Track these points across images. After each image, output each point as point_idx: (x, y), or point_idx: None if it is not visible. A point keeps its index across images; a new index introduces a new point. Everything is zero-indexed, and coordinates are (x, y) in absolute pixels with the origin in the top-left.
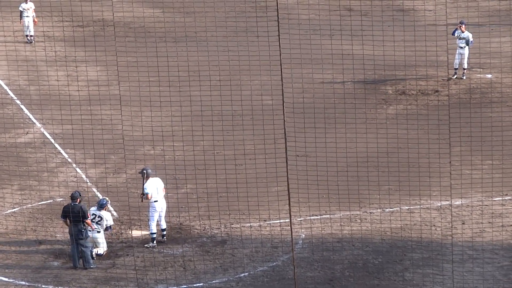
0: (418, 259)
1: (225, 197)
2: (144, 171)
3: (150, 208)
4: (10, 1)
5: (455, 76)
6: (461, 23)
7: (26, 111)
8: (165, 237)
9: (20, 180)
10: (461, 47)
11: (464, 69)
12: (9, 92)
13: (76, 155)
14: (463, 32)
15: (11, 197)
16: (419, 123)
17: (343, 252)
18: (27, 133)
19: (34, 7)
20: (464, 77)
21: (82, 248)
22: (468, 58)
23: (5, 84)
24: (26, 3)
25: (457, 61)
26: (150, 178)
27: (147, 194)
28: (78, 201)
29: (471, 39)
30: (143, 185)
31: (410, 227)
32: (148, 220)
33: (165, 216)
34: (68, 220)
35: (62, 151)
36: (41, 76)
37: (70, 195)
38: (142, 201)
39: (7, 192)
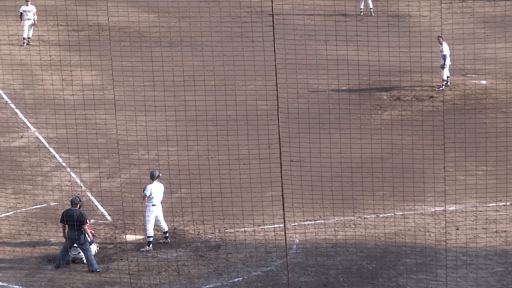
0: (412, 264)
1: (220, 202)
2: (151, 173)
3: (147, 212)
4: (6, 5)
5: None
6: (438, 37)
7: (20, 115)
8: (168, 239)
9: (14, 184)
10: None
11: (443, 80)
12: (4, 96)
13: (71, 159)
14: (441, 44)
15: (5, 201)
16: (414, 129)
17: (337, 257)
18: (21, 137)
19: (36, 10)
20: (440, 89)
21: (83, 252)
22: (443, 69)
23: (0, 88)
24: (27, 5)
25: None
26: (155, 181)
27: (144, 194)
28: (78, 207)
29: (443, 53)
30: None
31: (404, 232)
32: (145, 224)
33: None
34: (66, 225)
35: (56, 155)
36: (36, 80)
37: (70, 200)
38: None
39: (1, 196)
